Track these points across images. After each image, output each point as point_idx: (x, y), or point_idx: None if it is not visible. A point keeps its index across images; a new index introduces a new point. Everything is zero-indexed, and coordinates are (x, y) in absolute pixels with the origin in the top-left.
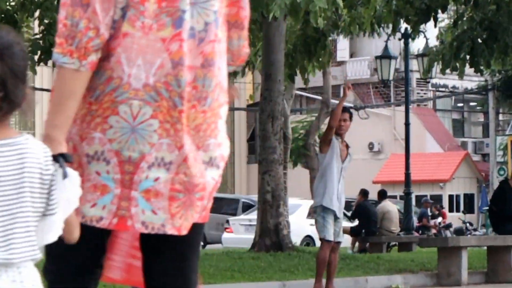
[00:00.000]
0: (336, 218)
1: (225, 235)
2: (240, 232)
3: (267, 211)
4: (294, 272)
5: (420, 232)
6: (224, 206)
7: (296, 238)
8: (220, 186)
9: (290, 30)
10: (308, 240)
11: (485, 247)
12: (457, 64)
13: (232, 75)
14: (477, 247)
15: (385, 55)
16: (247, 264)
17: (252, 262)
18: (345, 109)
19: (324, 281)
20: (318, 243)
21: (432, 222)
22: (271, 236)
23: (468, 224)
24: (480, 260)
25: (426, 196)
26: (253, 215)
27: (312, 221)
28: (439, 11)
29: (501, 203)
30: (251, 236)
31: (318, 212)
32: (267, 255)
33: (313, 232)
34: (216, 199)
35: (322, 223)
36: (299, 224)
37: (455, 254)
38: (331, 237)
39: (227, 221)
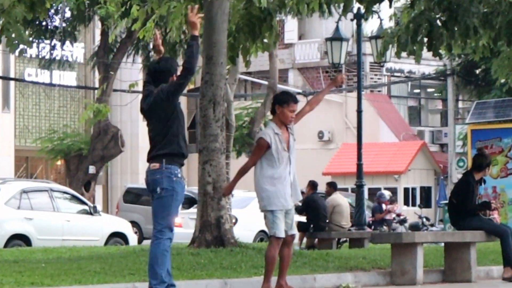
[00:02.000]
0: (287, 211)
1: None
2: (190, 227)
3: (207, 204)
4: (236, 270)
5: (373, 227)
6: None
7: (249, 233)
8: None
9: (233, 9)
10: (262, 235)
11: (442, 244)
12: (414, 48)
13: (172, 57)
14: (434, 244)
15: (336, 37)
16: (186, 260)
17: (191, 259)
18: (295, 100)
19: (273, 281)
20: None
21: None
22: (212, 230)
23: (424, 219)
24: (437, 258)
25: (379, 188)
26: None
27: None
28: None
29: (463, 196)
30: None
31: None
32: (207, 251)
33: None
34: None
35: (271, 219)
36: (252, 219)
37: (410, 251)
38: (281, 234)
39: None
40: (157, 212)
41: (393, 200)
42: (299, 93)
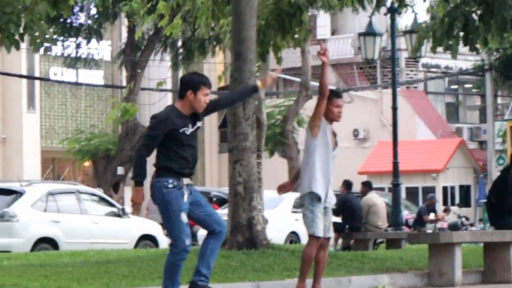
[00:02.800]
0: (325, 212)
1: (202, 232)
2: None
3: (238, 205)
4: (269, 272)
5: (412, 228)
6: None
7: (280, 234)
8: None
9: (262, 4)
10: (293, 237)
11: (482, 244)
12: (450, 42)
13: (201, 54)
14: (473, 244)
15: (370, 32)
16: (217, 263)
17: (222, 261)
18: (338, 94)
19: (308, 281)
20: (304, 240)
21: (433, 215)
22: (243, 232)
23: (463, 219)
24: (476, 258)
25: (417, 188)
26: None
27: (297, 215)
28: None
29: (501, 194)
30: None
31: (306, 205)
32: (239, 253)
33: (299, 228)
34: None
35: (311, 218)
36: (282, 220)
37: (448, 251)
38: (321, 233)
39: None
40: (166, 227)
41: (447, 209)
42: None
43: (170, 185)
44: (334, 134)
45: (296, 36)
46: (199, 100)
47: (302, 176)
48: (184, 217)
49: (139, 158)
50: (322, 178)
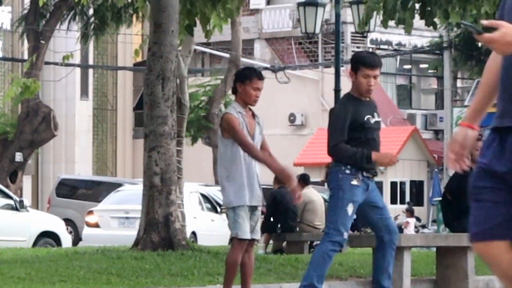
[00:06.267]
0: (252, 210)
1: (87, 231)
2: (111, 227)
3: (154, 199)
4: (188, 277)
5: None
6: (102, 192)
7: None
8: (98, 167)
9: None
10: (192, 237)
11: (434, 249)
12: (404, 16)
13: (116, 24)
14: (425, 248)
15: (311, 2)
16: (128, 265)
17: (134, 263)
18: (260, 76)
19: None
20: (201, 241)
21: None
22: (159, 230)
23: (415, 220)
24: (428, 265)
25: None
26: (131, 205)
27: (196, 213)
28: None
29: (459, 192)
30: (128, 232)
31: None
32: (153, 255)
33: (198, 227)
34: (92, 183)
35: (232, 218)
36: None
37: (395, 256)
38: (246, 235)
39: (91, 212)
40: (328, 213)
41: (409, 210)
42: (266, 68)
43: (347, 171)
44: (254, 115)
45: (228, 6)
46: (361, 83)
47: (222, 182)
48: (350, 209)
49: None
50: (247, 182)
